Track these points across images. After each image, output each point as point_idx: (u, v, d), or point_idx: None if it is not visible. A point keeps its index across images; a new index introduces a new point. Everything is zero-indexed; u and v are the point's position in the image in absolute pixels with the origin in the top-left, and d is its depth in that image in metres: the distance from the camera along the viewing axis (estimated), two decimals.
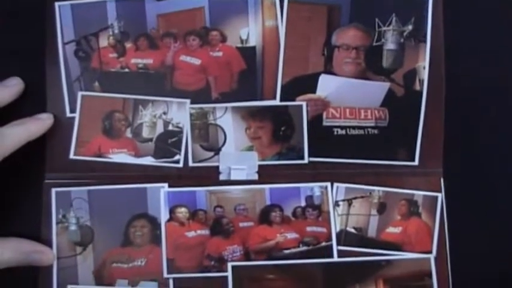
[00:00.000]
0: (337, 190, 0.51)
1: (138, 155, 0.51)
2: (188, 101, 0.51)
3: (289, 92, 0.51)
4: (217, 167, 0.51)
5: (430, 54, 0.51)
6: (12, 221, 0.51)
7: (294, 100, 0.51)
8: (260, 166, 0.51)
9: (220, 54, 0.52)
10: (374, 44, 0.51)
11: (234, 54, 0.51)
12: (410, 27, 0.51)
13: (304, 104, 0.51)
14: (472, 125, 0.52)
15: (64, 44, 0.51)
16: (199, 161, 0.51)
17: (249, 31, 0.51)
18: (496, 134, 0.52)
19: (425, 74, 0.51)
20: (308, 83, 0.51)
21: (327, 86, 0.51)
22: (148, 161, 0.51)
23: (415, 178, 0.51)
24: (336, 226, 0.50)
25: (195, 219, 0.50)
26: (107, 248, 0.50)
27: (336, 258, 0.50)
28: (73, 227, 0.51)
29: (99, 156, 0.51)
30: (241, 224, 0.50)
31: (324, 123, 0.51)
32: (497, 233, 0.51)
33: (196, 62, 0.52)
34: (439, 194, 0.50)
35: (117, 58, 0.52)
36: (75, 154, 0.51)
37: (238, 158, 0.51)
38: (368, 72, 0.51)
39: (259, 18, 0.51)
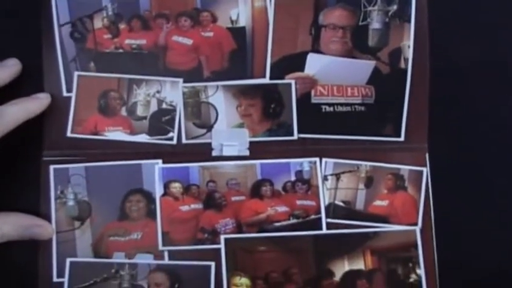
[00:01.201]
0: (326, 165, 0.52)
1: (133, 132, 0.53)
2: (181, 80, 0.53)
3: (278, 71, 0.52)
4: (210, 144, 0.52)
5: (414, 33, 0.52)
6: (12, 198, 0.52)
7: (283, 78, 0.52)
8: (251, 142, 0.52)
9: (211, 34, 0.53)
10: (360, 23, 0.52)
11: (224, 34, 0.53)
12: (395, 7, 0.52)
13: (293, 82, 0.52)
14: (456, 101, 0.53)
15: (60, 25, 0.53)
16: (192, 138, 0.53)
17: (239, 12, 0.53)
18: (480, 109, 0.53)
19: (410, 53, 0.52)
20: (296, 62, 0.52)
21: (315, 64, 0.52)
22: (143, 138, 0.53)
23: (401, 153, 0.52)
24: (324, 199, 0.52)
25: (189, 194, 0.52)
26: (104, 222, 0.52)
27: (324, 231, 0.51)
28: (71, 203, 0.52)
29: (95, 134, 0.53)
30: (233, 198, 0.52)
31: (312, 101, 0.53)
32: (480, 204, 0.53)
33: (188, 42, 0.53)
34: (424, 169, 0.52)
35: (112, 39, 0.53)
36: (72, 132, 0.52)
37: (230, 134, 0.52)
38: (354, 51, 0.53)
39: None
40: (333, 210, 0.52)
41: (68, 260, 0.51)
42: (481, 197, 0.53)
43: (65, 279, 0.51)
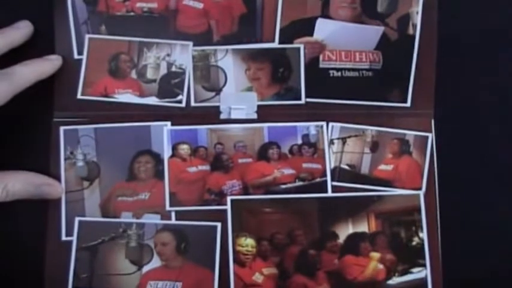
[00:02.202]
0: (332, 129, 0.53)
1: (142, 95, 0.53)
2: (191, 43, 0.53)
3: (287, 35, 0.53)
4: (218, 107, 0.53)
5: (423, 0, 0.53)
6: (23, 158, 0.53)
7: (292, 43, 0.53)
8: (259, 106, 0.53)
9: None
10: None
11: None
12: None
13: (301, 46, 0.53)
14: (462, 68, 0.54)
15: None
16: (201, 101, 0.53)
17: None
18: (486, 76, 0.54)
19: (418, 19, 0.53)
20: (306, 27, 0.53)
21: (324, 29, 0.53)
22: (152, 100, 0.53)
23: (407, 118, 0.53)
24: (330, 163, 0.53)
25: (197, 156, 0.53)
26: (113, 183, 0.53)
27: (330, 193, 0.52)
28: (80, 163, 0.53)
29: (105, 96, 0.53)
30: (240, 160, 0.53)
31: (321, 66, 0.53)
32: (484, 170, 0.53)
33: (199, 6, 0.54)
34: (429, 134, 0.53)
35: (123, 2, 0.54)
36: (82, 94, 0.53)
37: (238, 98, 0.53)
38: (363, 17, 0.53)
39: None
40: (338, 173, 0.52)
41: (77, 219, 0.52)
42: (485, 163, 0.53)
43: (74, 238, 0.52)
